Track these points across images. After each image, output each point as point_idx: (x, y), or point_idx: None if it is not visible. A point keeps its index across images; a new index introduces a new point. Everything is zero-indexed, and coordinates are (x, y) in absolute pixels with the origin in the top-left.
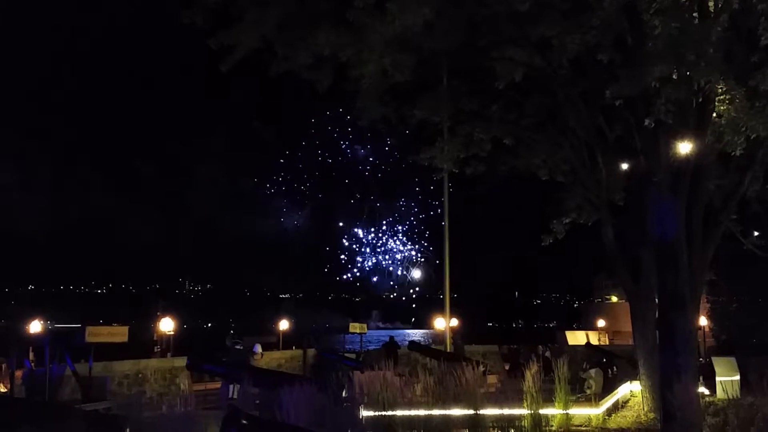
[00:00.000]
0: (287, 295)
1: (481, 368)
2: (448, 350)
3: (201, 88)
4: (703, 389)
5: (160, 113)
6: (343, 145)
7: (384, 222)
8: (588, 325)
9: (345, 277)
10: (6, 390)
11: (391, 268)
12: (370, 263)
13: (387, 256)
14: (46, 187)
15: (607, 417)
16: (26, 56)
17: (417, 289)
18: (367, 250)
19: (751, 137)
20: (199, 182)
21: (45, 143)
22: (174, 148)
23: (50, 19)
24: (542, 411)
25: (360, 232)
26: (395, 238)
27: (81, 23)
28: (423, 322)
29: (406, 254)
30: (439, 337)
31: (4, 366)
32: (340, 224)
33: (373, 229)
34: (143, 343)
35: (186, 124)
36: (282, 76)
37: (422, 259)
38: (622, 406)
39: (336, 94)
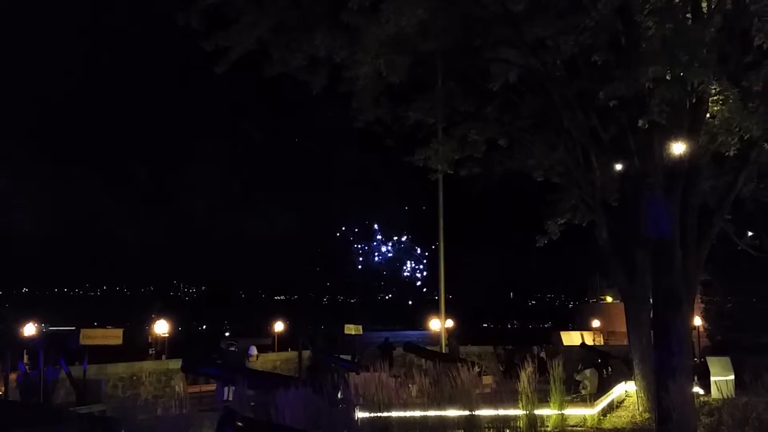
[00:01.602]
0: (282, 297)
1: (477, 369)
2: (444, 351)
3: (195, 90)
4: (698, 389)
5: (154, 116)
6: (336, 146)
7: (377, 224)
8: (583, 326)
9: (339, 278)
10: (0, 393)
11: (384, 272)
12: (363, 264)
13: (380, 258)
14: (41, 190)
15: (602, 417)
16: (24, 59)
17: (411, 290)
18: (361, 251)
19: (745, 137)
20: (193, 185)
21: (40, 146)
22: (169, 151)
23: (47, 22)
24: (537, 411)
25: (354, 234)
26: (389, 239)
27: (78, 26)
28: (418, 324)
29: (400, 256)
30: (433, 338)
31: None
32: (334, 226)
33: (366, 232)
34: (138, 346)
35: (181, 126)
36: (276, 78)
37: (418, 261)
38: (617, 407)
39: (331, 95)
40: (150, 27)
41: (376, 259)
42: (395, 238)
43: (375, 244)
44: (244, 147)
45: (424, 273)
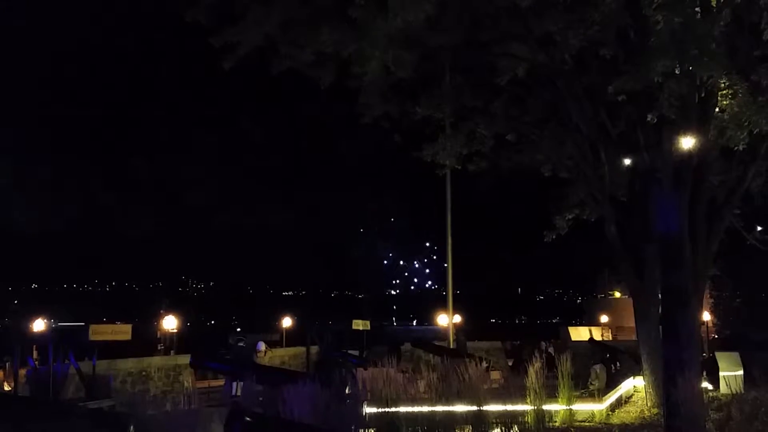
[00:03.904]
0: (290, 293)
1: (484, 364)
2: (451, 346)
3: (199, 86)
4: (706, 384)
5: (160, 112)
6: (342, 142)
7: (385, 219)
8: (591, 321)
9: (346, 274)
10: (10, 388)
11: (392, 267)
12: (371, 260)
13: (387, 253)
14: (49, 186)
15: (610, 412)
16: (26, 56)
17: (419, 285)
18: (368, 247)
19: (754, 132)
20: (202, 181)
21: (47, 141)
22: (176, 147)
23: (51, 18)
24: (545, 407)
25: (361, 229)
26: (397, 234)
27: (83, 23)
28: (425, 319)
29: (408, 251)
30: (441, 334)
31: (8, 364)
32: (340, 221)
33: (373, 226)
34: (147, 341)
35: (187, 123)
36: (280, 74)
37: (426, 257)
38: (626, 402)
39: (339, 90)
40: (153, 21)
41: (384, 259)
42: (403, 233)
43: (382, 239)
44: (252, 143)
45: (432, 268)
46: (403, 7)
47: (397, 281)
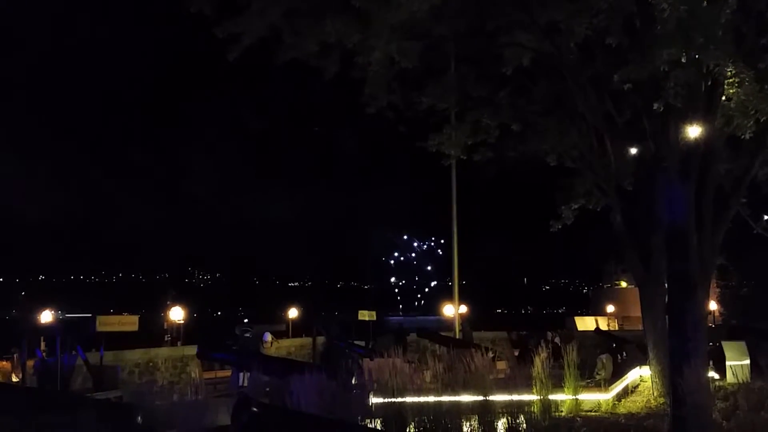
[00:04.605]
0: (296, 284)
1: (490, 354)
2: (457, 337)
3: (204, 76)
4: (713, 374)
5: (165, 104)
6: (348, 133)
7: (390, 209)
8: (597, 311)
9: (352, 265)
10: (18, 380)
11: (398, 257)
12: (376, 250)
13: (393, 243)
14: (56, 179)
15: (616, 402)
16: (28, 49)
17: (425, 276)
18: (373, 238)
19: (761, 120)
20: (209, 171)
21: (51, 132)
22: (181, 138)
23: (53, 11)
24: (552, 396)
25: (366, 220)
26: (403, 224)
27: (85, 14)
28: (432, 310)
29: (414, 241)
30: (447, 324)
31: (16, 356)
32: (345, 212)
33: (379, 217)
34: (154, 332)
35: (192, 114)
36: (285, 64)
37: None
38: (632, 392)
39: (343, 81)
40: (157, 12)
41: (390, 250)
42: (408, 224)
43: (387, 230)
44: (258, 134)
45: (438, 259)
46: None
47: (403, 272)
